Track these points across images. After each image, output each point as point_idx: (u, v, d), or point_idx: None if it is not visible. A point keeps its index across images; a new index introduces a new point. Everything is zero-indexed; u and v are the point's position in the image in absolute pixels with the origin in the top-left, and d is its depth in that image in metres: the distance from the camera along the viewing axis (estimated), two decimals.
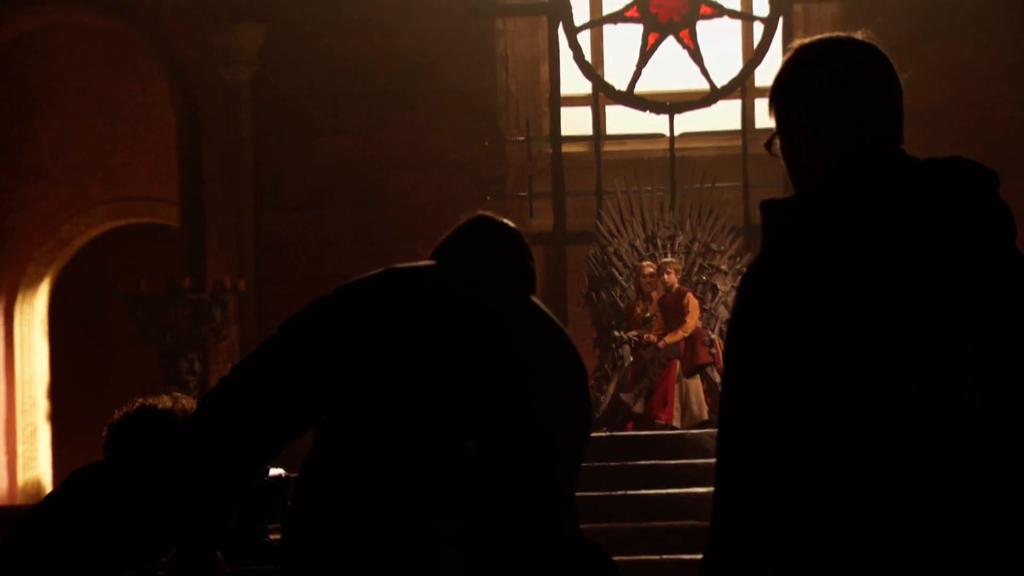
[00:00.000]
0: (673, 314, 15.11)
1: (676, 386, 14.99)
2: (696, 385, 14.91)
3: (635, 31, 16.80)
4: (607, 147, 16.95)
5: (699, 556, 2.87)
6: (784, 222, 2.84)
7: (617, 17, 16.96)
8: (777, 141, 2.96)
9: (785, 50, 3.05)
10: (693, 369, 14.99)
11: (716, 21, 16.85)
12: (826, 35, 3.03)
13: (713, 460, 2.87)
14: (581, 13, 17.10)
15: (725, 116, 16.98)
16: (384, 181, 16.37)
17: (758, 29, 16.83)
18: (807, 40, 2.99)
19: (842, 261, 2.75)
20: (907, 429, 2.68)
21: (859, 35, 2.97)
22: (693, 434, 13.93)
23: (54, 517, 4.03)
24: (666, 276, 15.19)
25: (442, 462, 3.38)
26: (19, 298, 19.51)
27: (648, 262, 15.37)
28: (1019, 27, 15.72)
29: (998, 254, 2.84)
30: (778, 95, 2.96)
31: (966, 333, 2.76)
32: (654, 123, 16.69)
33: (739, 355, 2.80)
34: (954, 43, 15.14)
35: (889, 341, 2.72)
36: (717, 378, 14.41)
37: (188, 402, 4.31)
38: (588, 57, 16.96)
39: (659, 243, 15.65)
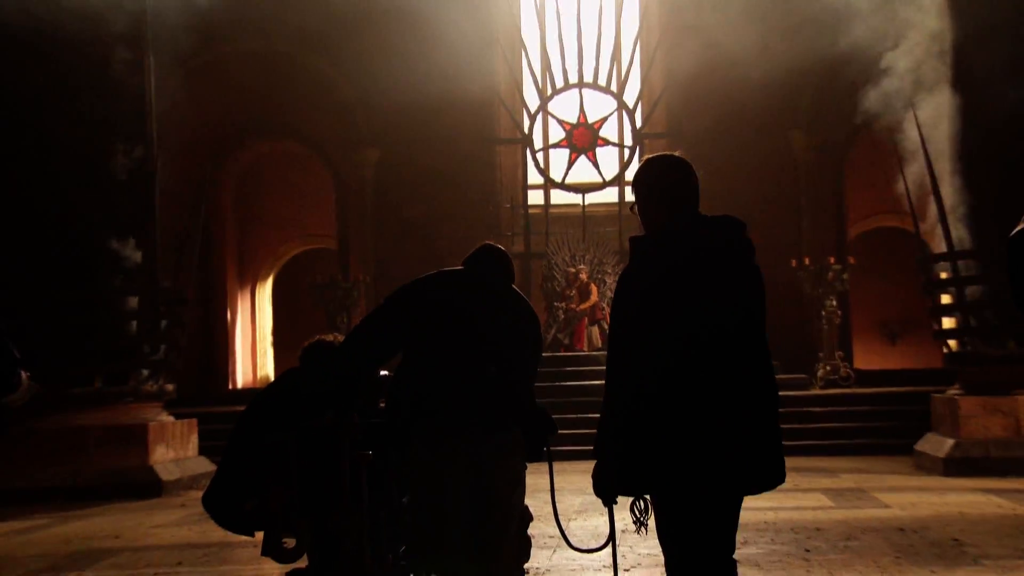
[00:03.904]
0: (584, 294, 15.21)
1: (586, 331, 15.10)
2: (595, 330, 15.05)
3: (565, 152, 16.89)
4: (552, 210, 16.96)
5: (595, 415, 2.85)
6: (640, 248, 2.90)
7: (556, 145, 17.10)
8: (636, 207, 2.98)
9: (640, 161, 3.05)
10: (593, 322, 15.12)
11: (606, 148, 16.97)
12: (660, 153, 3.10)
13: (604, 368, 2.86)
14: (539, 142, 17.13)
15: (610, 194, 16.96)
16: (438, 227, 16.19)
17: (627, 151, 16.87)
18: (650, 156, 3.08)
19: (664, 268, 2.79)
20: (685, 351, 2.72)
21: (677, 153, 3.05)
22: (594, 355, 14.05)
23: (274, 392, 3.97)
24: (581, 275, 15.29)
25: (464, 370, 3.31)
26: (258, 285, 19.47)
27: (572, 268, 15.44)
28: (754, 150, 15.72)
29: (744, 266, 2.86)
30: (636, 183, 3.02)
31: (725, 306, 2.78)
32: (575, 198, 16.72)
33: (617, 314, 2.85)
34: (725, 160, 15.10)
35: (685, 309, 2.75)
36: (605, 327, 14.52)
37: (340, 338, 4.30)
38: (541, 164, 17.00)
39: (577, 258, 15.70)
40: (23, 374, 3.72)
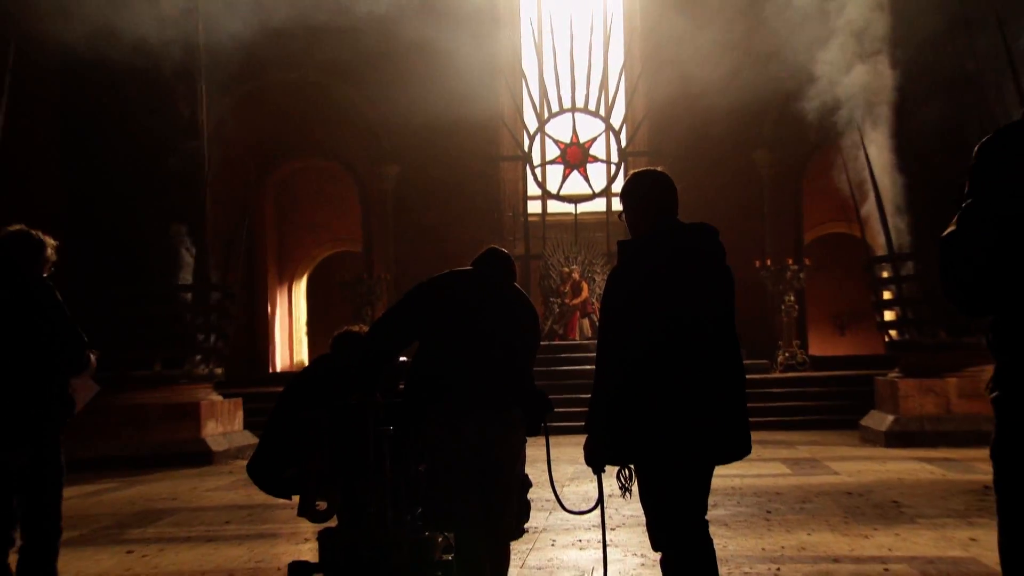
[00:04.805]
0: (576, 291, 15.18)
1: (578, 323, 15.07)
2: (586, 322, 15.04)
3: (559, 167, 16.85)
4: (548, 218, 16.92)
5: (586, 395, 2.84)
6: (626, 250, 2.88)
7: (552, 162, 17.03)
8: (623, 215, 2.96)
9: (626, 175, 3.04)
10: (584, 315, 15.10)
11: (596, 164, 16.89)
12: (644, 168, 3.06)
13: (594, 355, 2.84)
14: (537, 159, 17.08)
15: (599, 204, 16.91)
16: (449, 232, 16.12)
17: (613, 167, 16.82)
18: (636, 171, 3.02)
19: (647, 268, 2.76)
20: (665, 340, 2.69)
21: (659, 168, 3.02)
22: (585, 344, 14.00)
23: (308, 376, 3.95)
24: (574, 274, 15.26)
25: (472, 357, 3.28)
26: (294, 282, 19.43)
27: (565, 268, 15.41)
28: (724, 167, 15.69)
29: (717, 266, 2.84)
30: (624, 194, 2.99)
31: (700, 301, 2.76)
32: (568, 207, 16.67)
33: (606, 308, 2.82)
34: (699, 175, 15.05)
35: (665, 304, 2.72)
36: (595, 319, 14.49)
37: (365, 328, 4.25)
38: (539, 178, 16.97)
39: (570, 259, 15.67)
40: (91, 356, 3.69)
